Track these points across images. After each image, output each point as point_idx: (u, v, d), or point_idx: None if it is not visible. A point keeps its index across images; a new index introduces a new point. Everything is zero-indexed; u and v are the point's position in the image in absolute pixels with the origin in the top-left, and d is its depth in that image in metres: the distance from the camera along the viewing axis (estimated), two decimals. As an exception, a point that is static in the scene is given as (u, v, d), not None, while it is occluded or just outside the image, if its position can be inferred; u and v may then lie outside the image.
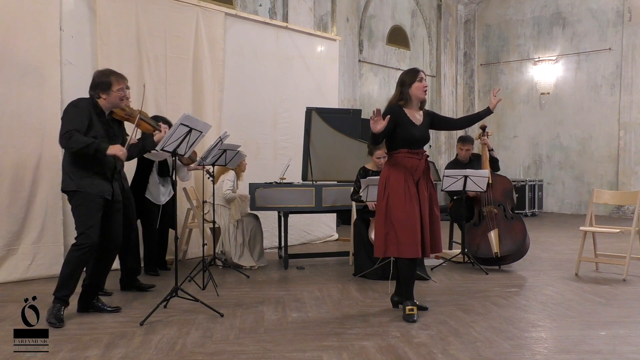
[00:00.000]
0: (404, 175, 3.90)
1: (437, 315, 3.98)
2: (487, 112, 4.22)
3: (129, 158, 4.03)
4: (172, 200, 5.08)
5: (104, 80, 3.88)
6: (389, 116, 3.77)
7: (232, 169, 5.77)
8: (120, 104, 3.98)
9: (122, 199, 4.40)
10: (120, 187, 4.37)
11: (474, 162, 6.26)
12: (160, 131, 4.14)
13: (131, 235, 4.69)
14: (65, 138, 3.72)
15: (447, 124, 4.42)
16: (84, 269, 3.90)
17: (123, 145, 3.91)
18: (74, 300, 4.05)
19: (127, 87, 4.04)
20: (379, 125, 3.71)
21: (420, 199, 3.91)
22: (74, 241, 3.84)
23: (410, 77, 3.96)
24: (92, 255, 3.86)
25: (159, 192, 5.32)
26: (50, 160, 5.24)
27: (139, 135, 4.16)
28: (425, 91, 3.98)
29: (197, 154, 5.46)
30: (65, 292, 3.79)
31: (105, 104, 3.92)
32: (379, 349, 3.25)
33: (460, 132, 12.87)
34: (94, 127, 3.83)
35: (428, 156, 4.06)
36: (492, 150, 6.13)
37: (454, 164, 6.34)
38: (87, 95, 3.97)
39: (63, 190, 3.92)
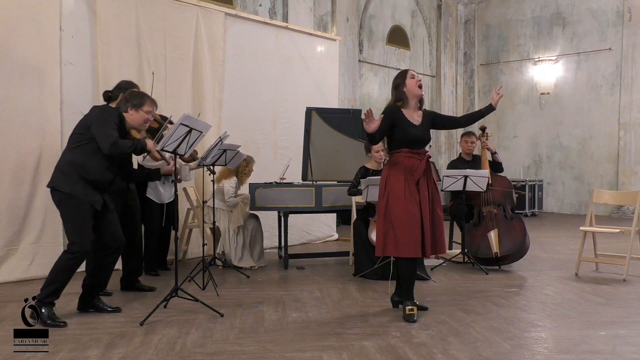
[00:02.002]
0: (403, 174, 3.90)
1: (437, 315, 3.98)
2: (490, 108, 4.22)
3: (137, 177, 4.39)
4: (175, 200, 5.10)
5: (138, 98, 3.95)
6: (382, 115, 3.82)
7: (235, 175, 5.77)
8: (142, 126, 4.01)
9: (127, 200, 4.52)
10: (124, 188, 4.47)
11: (476, 163, 6.26)
12: (169, 164, 4.34)
13: (136, 235, 4.70)
14: (114, 147, 3.72)
15: (449, 123, 4.44)
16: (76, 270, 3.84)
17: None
18: (73, 301, 4.06)
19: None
20: (372, 125, 3.75)
21: (420, 199, 3.90)
22: (66, 248, 3.80)
23: (401, 77, 4.04)
24: (83, 261, 3.83)
25: (160, 191, 5.33)
26: (50, 160, 5.22)
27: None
28: (420, 86, 3.99)
29: (198, 153, 5.45)
30: (52, 297, 3.73)
31: (130, 120, 3.94)
32: (379, 349, 3.24)
33: (461, 130, 12.86)
34: None
35: (430, 157, 4.06)
36: (495, 153, 6.15)
37: (459, 162, 6.35)
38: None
39: (52, 187, 3.82)
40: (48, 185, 3.89)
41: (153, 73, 4.90)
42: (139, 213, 4.75)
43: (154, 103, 4.03)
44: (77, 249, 3.73)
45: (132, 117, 3.93)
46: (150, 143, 3.96)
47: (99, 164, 3.80)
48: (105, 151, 3.74)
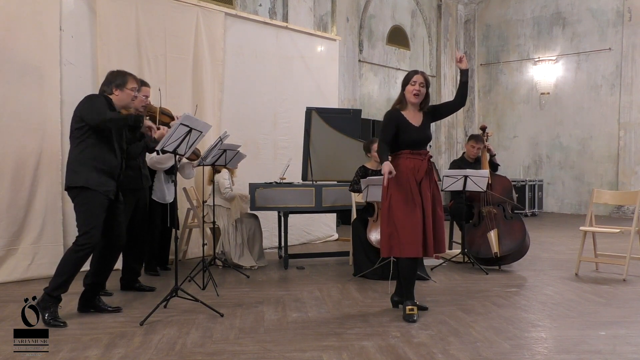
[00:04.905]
0: (406, 175, 3.92)
1: (437, 315, 3.98)
2: (462, 73, 4.02)
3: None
4: (176, 199, 5.11)
5: (120, 77, 3.93)
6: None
7: (224, 168, 5.74)
8: (130, 104, 4.01)
9: (139, 200, 4.53)
10: (140, 187, 4.54)
11: (478, 166, 6.25)
12: (159, 129, 4.20)
13: (139, 235, 4.69)
14: (102, 120, 3.68)
15: (448, 109, 4.24)
16: (80, 268, 3.84)
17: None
18: (74, 300, 4.06)
19: (139, 91, 4.13)
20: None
21: (423, 199, 3.92)
22: (74, 240, 3.80)
23: (405, 79, 4.04)
24: (90, 254, 3.85)
25: (165, 192, 5.31)
26: (50, 160, 5.24)
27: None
28: (416, 95, 3.94)
29: (201, 150, 5.45)
30: (60, 291, 3.75)
31: (117, 101, 3.91)
32: (379, 349, 3.25)
33: (467, 131, 12.94)
34: None
35: (431, 157, 4.08)
36: (494, 155, 6.14)
37: (461, 162, 6.33)
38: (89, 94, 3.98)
39: (68, 187, 3.83)
40: (65, 188, 3.89)
41: (160, 89, 4.90)
42: (146, 215, 4.75)
43: (136, 79, 4.02)
44: (85, 240, 3.72)
45: (119, 97, 3.90)
46: (148, 122, 3.96)
47: (106, 151, 3.83)
48: (94, 123, 3.70)
